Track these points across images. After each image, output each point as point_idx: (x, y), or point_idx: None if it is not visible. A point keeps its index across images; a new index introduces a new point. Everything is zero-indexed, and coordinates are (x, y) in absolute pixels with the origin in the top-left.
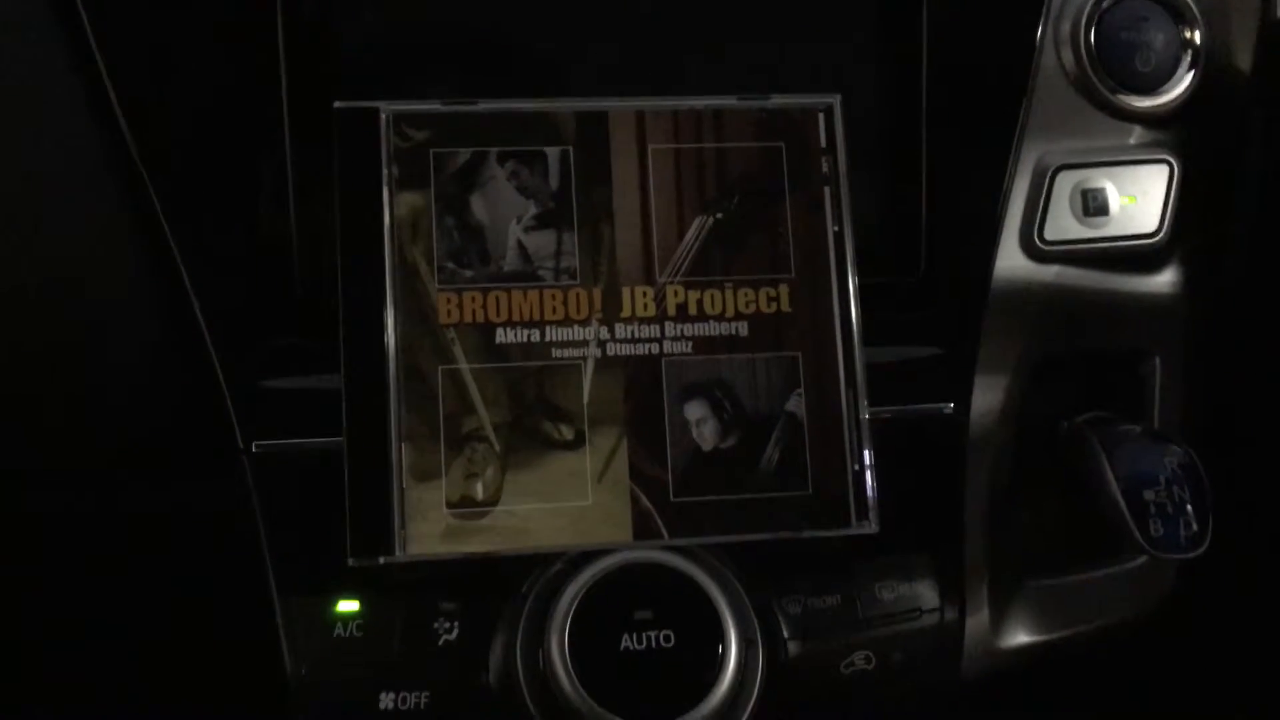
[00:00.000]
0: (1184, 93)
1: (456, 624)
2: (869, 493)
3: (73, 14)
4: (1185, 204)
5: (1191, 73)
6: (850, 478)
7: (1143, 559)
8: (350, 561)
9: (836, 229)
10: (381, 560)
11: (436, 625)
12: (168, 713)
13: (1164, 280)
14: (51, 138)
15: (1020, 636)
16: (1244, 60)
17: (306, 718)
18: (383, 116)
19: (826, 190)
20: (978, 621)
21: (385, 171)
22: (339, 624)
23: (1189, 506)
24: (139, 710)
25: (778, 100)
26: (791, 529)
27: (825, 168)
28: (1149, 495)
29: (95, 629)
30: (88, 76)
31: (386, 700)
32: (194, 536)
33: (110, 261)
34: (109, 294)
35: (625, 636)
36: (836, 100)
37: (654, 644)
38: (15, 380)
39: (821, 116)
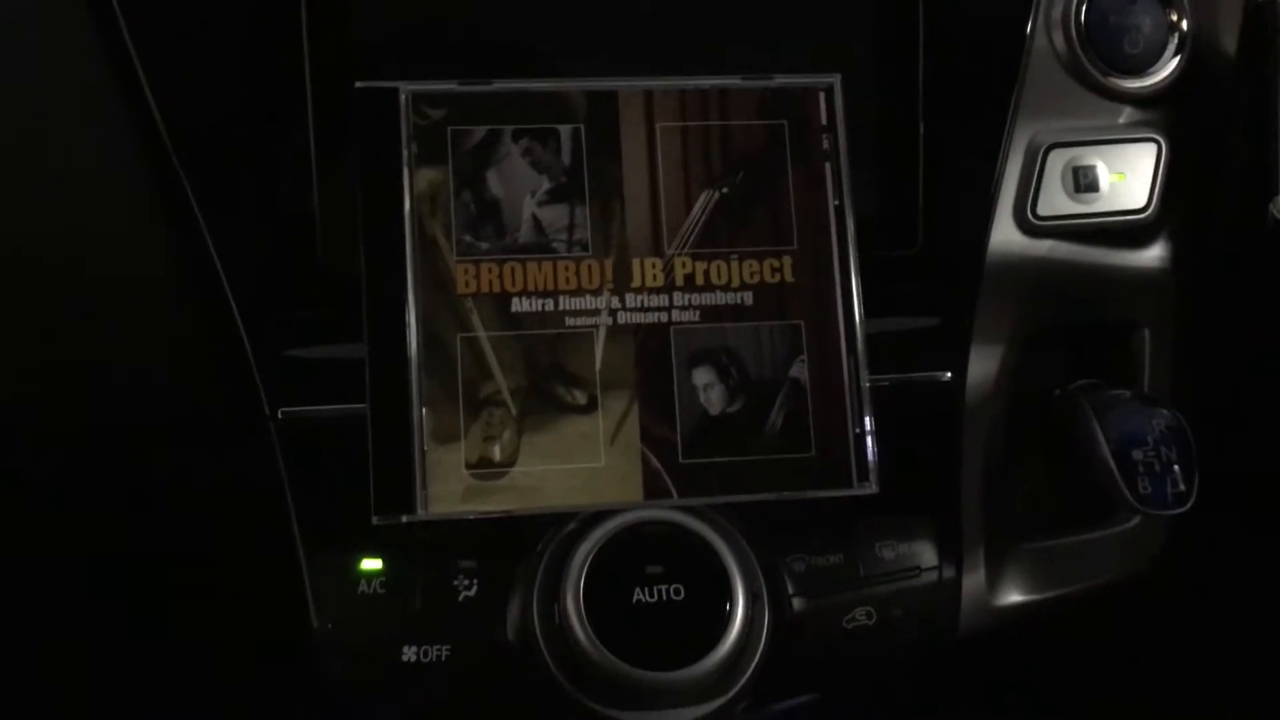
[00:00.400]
0: (1171, 74)
1: (475, 581)
2: (869, 455)
3: (108, 10)
4: (1172, 181)
5: (1178, 55)
6: (851, 441)
7: (1133, 522)
8: (374, 520)
9: (837, 203)
10: (404, 519)
11: (456, 582)
12: (201, 667)
13: (1152, 254)
14: (86, 119)
15: (1015, 595)
16: (1229, 42)
17: (332, 671)
18: (402, 96)
19: (827, 166)
20: (974, 580)
21: (405, 149)
22: (363, 581)
23: (1176, 466)
24: (173, 663)
25: (780, 80)
26: (795, 489)
27: (826, 144)
28: (1137, 455)
29: (132, 588)
30: (120, 61)
31: (409, 653)
32: (225, 500)
33: (142, 239)
34: (142, 270)
35: (637, 590)
36: (837, 80)
37: (665, 597)
38: (57, 351)
39: (822, 95)
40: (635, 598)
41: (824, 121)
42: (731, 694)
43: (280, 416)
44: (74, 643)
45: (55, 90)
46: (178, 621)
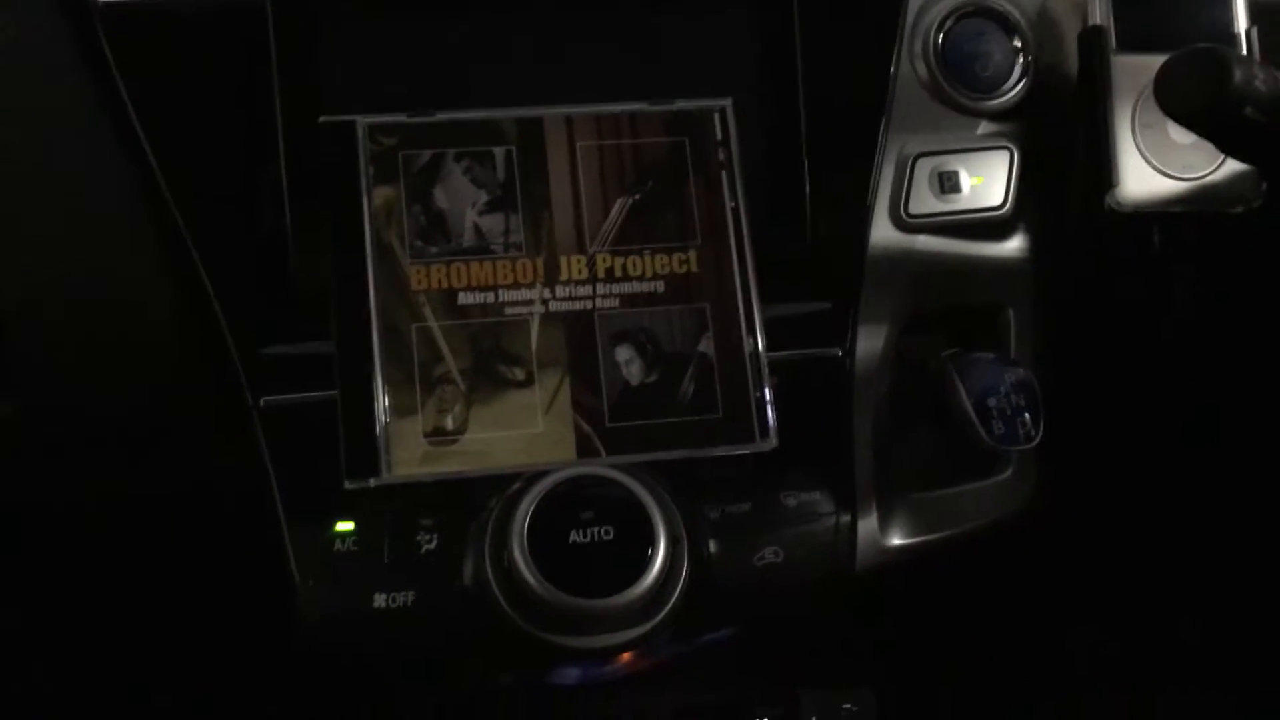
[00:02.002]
0: (1019, 92)
1: (435, 535)
2: (769, 417)
3: (98, 53)
4: (1025, 182)
5: (1024, 77)
6: (753, 404)
7: (1004, 475)
8: (346, 484)
9: (733, 205)
10: (371, 482)
11: (418, 537)
12: (196, 624)
13: (1011, 245)
14: (83, 149)
15: (904, 537)
16: (1067, 64)
17: (313, 620)
18: (359, 127)
19: (724, 174)
20: (868, 524)
21: (363, 172)
22: (337, 540)
23: (1025, 412)
24: (171, 622)
25: (681, 104)
26: (706, 445)
27: (722, 157)
28: (992, 402)
29: (130, 557)
30: (114, 102)
31: (379, 600)
32: (215, 479)
33: (137, 257)
34: (138, 283)
35: (573, 533)
36: (729, 103)
37: (596, 538)
38: (61, 355)
39: (717, 116)
40: (571, 539)
41: (719, 137)
42: (658, 619)
43: (262, 404)
44: (72, 608)
45: (63, 133)
46: (173, 586)
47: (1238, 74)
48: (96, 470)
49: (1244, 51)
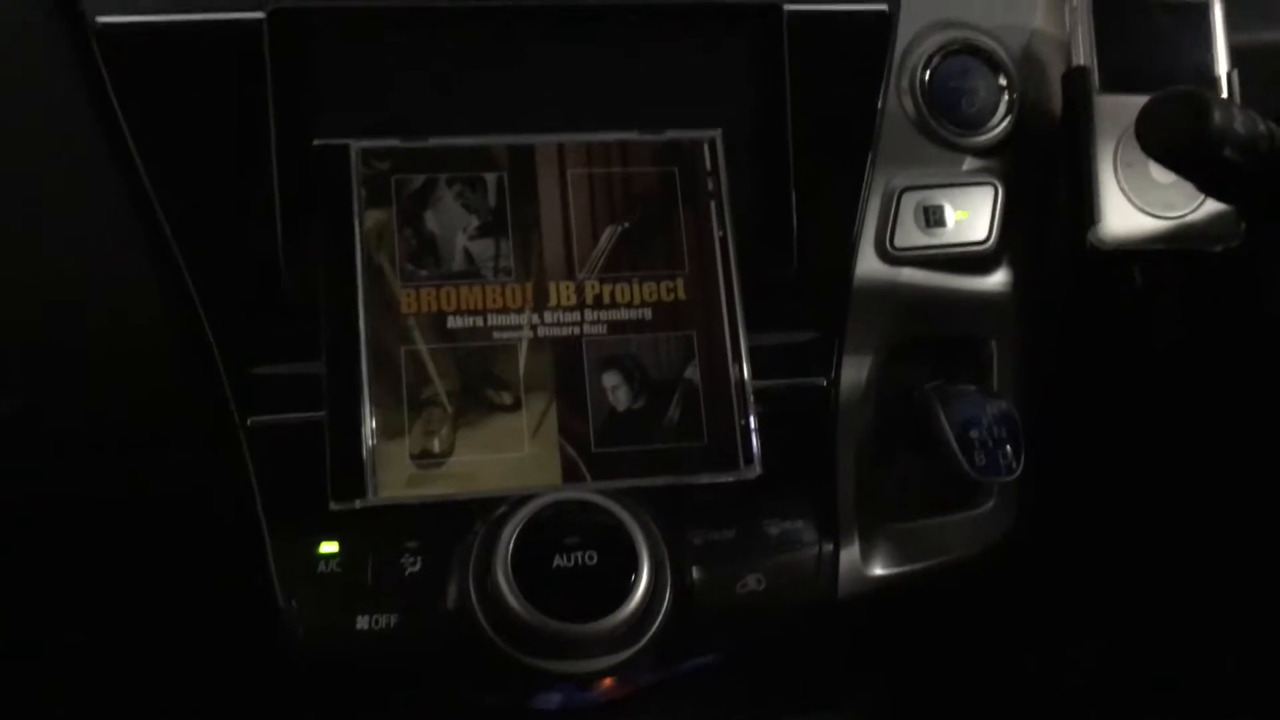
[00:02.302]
0: (1004, 129)
1: (419, 558)
2: (753, 444)
3: (94, 71)
4: (1009, 217)
5: (1009, 114)
6: (738, 432)
7: (986, 506)
8: (331, 505)
9: (721, 234)
10: (357, 504)
11: (402, 560)
12: (179, 643)
13: (994, 280)
14: (77, 166)
15: (886, 567)
16: (1051, 102)
17: (296, 641)
18: (353, 152)
19: (712, 204)
20: (849, 554)
21: (355, 195)
22: (321, 562)
23: (1007, 444)
24: (155, 642)
25: (671, 134)
26: (691, 472)
27: (711, 186)
28: (974, 434)
29: (114, 576)
30: (108, 120)
31: (362, 622)
32: (199, 498)
33: (131, 276)
34: (130, 301)
35: (557, 557)
36: (718, 134)
37: (580, 563)
38: (48, 370)
39: (707, 146)
40: (555, 563)
41: (709, 168)
42: (640, 644)
43: (249, 424)
44: (54, 629)
45: (59, 149)
46: (157, 607)
47: (1217, 116)
48: (81, 486)
49: (1224, 94)
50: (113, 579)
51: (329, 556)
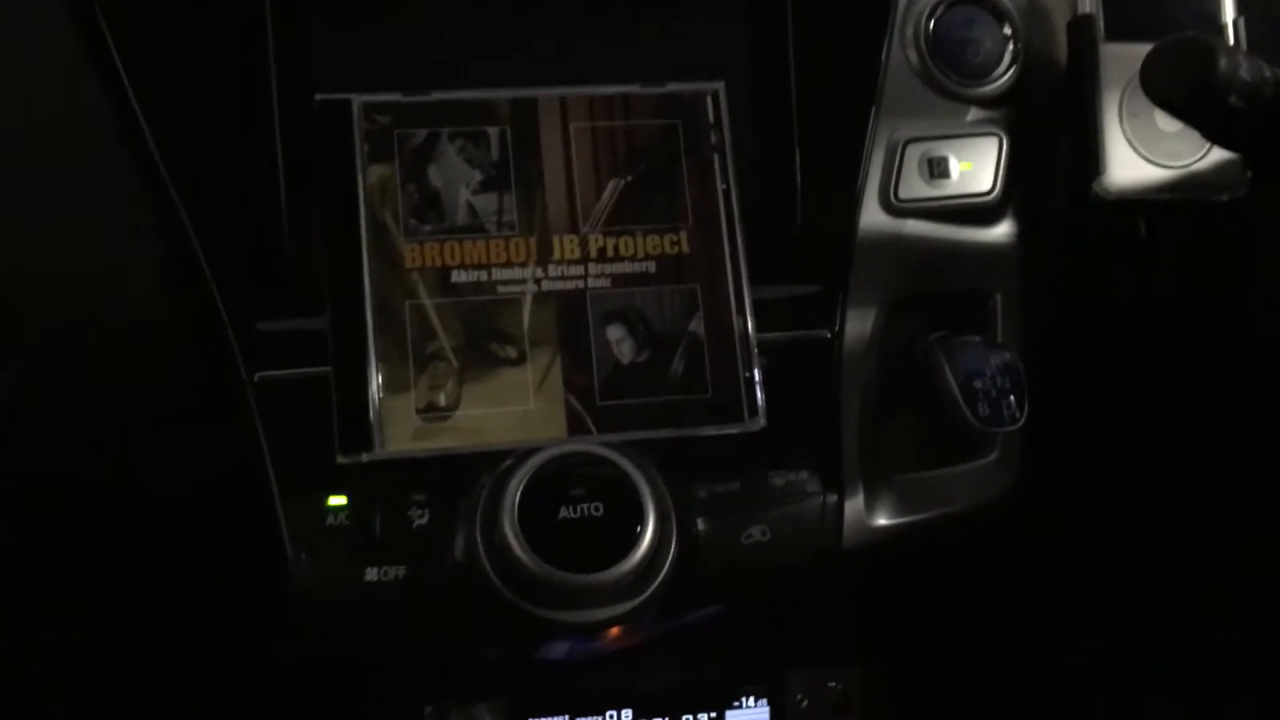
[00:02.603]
0: (1008, 80)
1: (426, 510)
2: (757, 397)
3: (95, 28)
4: (1013, 168)
5: (1014, 64)
6: (742, 384)
7: (990, 457)
8: (339, 459)
9: (724, 187)
10: (364, 457)
11: (410, 513)
12: (191, 596)
13: (999, 231)
14: (78, 126)
15: (889, 517)
16: (1056, 51)
17: (306, 593)
18: (355, 106)
19: (715, 157)
20: (854, 505)
21: (358, 150)
22: (330, 515)
23: (1010, 394)
24: (165, 597)
25: (674, 86)
26: (695, 425)
27: (714, 139)
28: (978, 384)
29: (122, 530)
30: (110, 79)
31: (371, 574)
32: (209, 453)
33: (132, 235)
34: (134, 262)
35: (563, 508)
36: (721, 86)
37: (586, 514)
38: (52, 331)
39: (710, 99)
40: (561, 514)
41: (712, 120)
42: (646, 595)
43: (256, 379)
44: (74, 585)
45: (63, 118)
46: (169, 559)
47: (1223, 63)
48: (89, 444)
49: (1231, 41)
50: (120, 537)
51: (337, 509)
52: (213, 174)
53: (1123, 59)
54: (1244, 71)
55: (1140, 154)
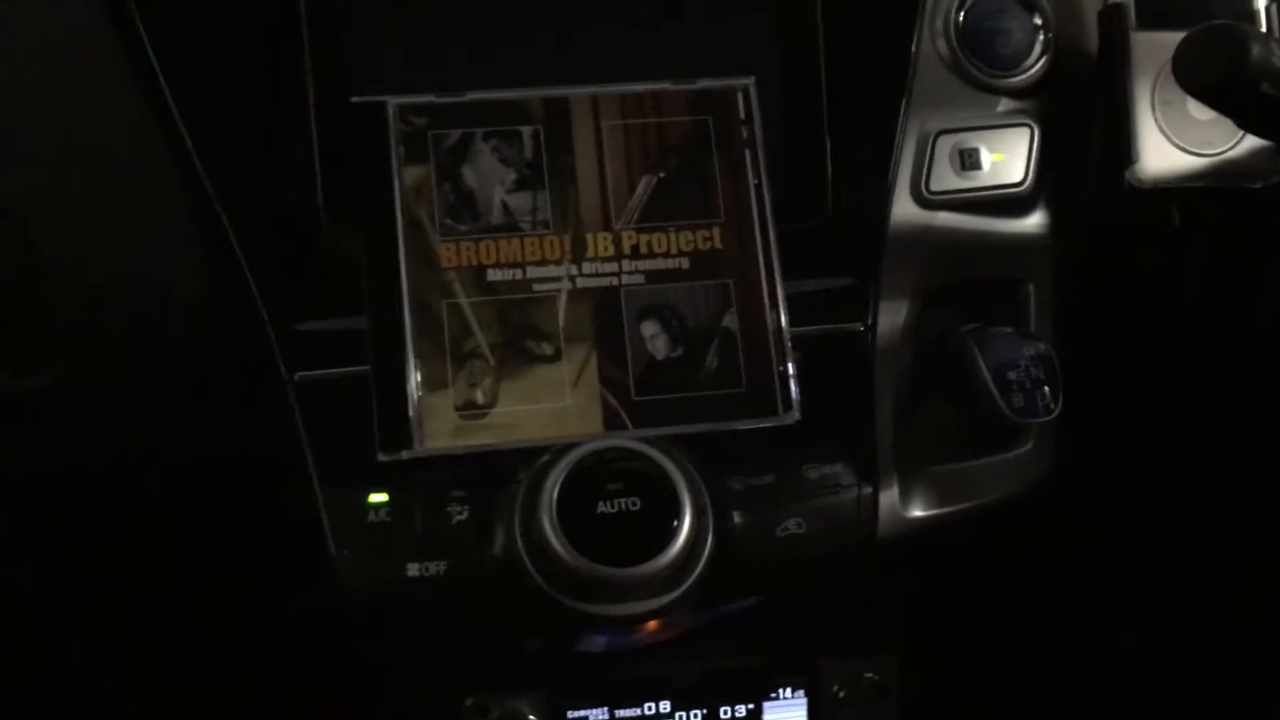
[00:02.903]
0: (1039, 70)
1: (466, 507)
2: (792, 390)
3: (132, 29)
4: (1045, 158)
5: (1044, 54)
6: (776, 378)
7: (1024, 448)
8: (380, 457)
9: (756, 182)
10: (404, 455)
11: (450, 508)
12: (235, 591)
13: (1031, 221)
14: (117, 127)
15: (924, 509)
16: (1087, 41)
17: (349, 589)
18: (390, 108)
19: (747, 152)
20: (888, 496)
21: (394, 151)
22: (371, 511)
23: (1044, 385)
24: (212, 594)
25: (704, 83)
26: (730, 419)
27: (745, 135)
28: (1012, 375)
29: (167, 530)
30: (148, 80)
31: (413, 570)
32: (251, 454)
33: (173, 236)
34: (172, 260)
35: (601, 503)
36: (751, 81)
37: (624, 509)
38: (94, 333)
39: (740, 94)
40: (599, 510)
41: (743, 116)
42: (684, 588)
43: (296, 379)
44: (117, 585)
45: (104, 121)
46: (213, 556)
47: (1255, 50)
48: (131, 445)
49: (1263, 28)
50: (165, 536)
51: (379, 506)
52: (250, 177)
53: (1154, 47)
54: (1276, 59)
55: (1173, 142)
